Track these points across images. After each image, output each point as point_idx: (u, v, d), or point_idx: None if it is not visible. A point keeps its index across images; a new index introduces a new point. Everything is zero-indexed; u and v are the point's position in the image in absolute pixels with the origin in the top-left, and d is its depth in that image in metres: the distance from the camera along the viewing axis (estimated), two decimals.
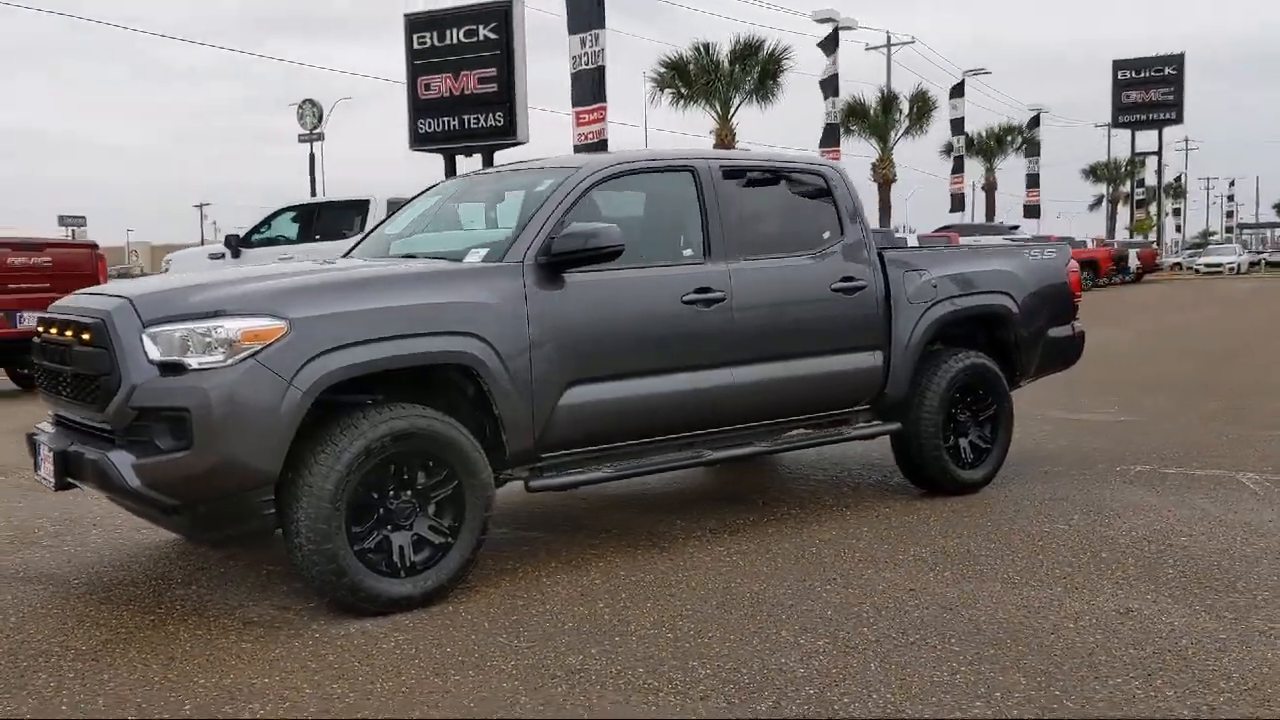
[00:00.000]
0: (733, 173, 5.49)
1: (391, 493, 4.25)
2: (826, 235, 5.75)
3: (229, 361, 3.92)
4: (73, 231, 50.67)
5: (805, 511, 5.80)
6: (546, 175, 5.15)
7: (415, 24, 21.79)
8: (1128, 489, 6.22)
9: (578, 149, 27.41)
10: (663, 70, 38.82)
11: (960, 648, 3.75)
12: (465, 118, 21.23)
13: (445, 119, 21.43)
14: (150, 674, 3.66)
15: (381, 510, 4.23)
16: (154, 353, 3.97)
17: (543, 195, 4.93)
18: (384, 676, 3.60)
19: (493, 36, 20.92)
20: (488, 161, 21.38)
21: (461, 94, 21.20)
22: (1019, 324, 6.42)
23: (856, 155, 50.05)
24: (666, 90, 38.91)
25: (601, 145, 26.75)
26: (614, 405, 4.82)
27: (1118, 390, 10.42)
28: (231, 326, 3.95)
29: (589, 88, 27.68)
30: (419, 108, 21.77)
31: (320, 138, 35.55)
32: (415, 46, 21.78)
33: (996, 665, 3.59)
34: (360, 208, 16.70)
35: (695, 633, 3.95)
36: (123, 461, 3.99)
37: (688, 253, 5.28)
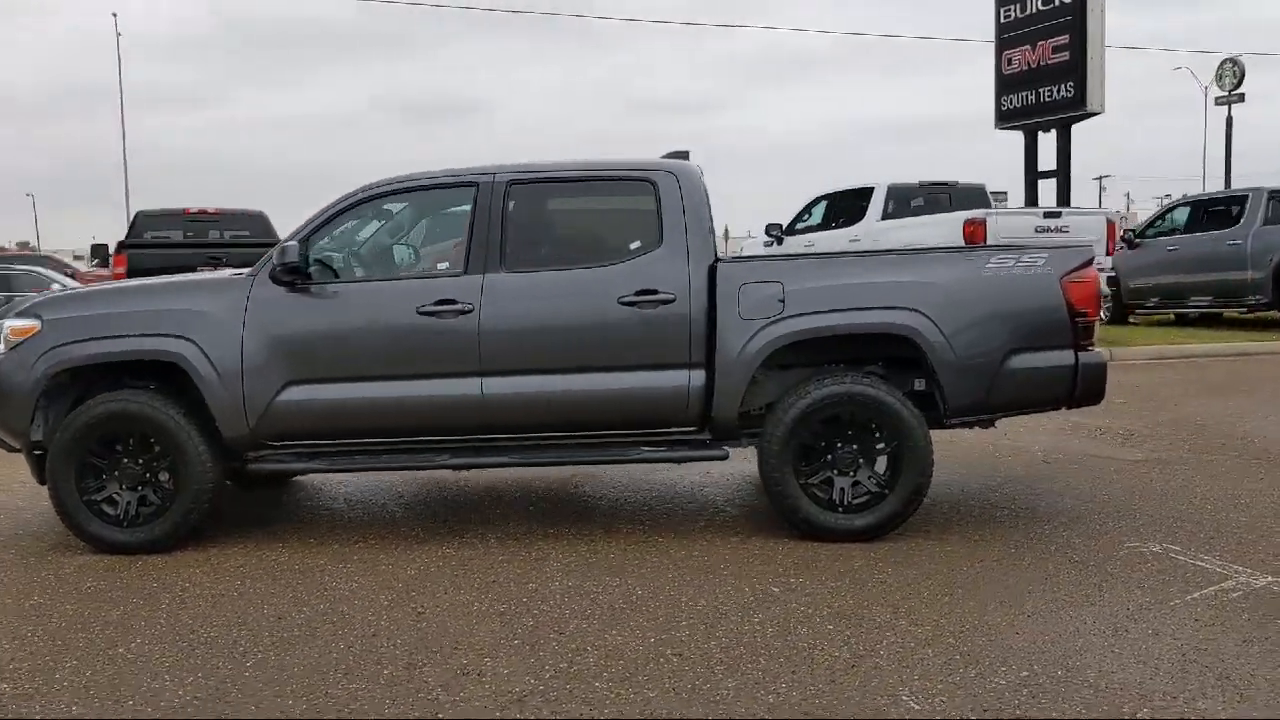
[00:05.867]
0: (526, 186, 5.50)
1: (125, 460, 5.42)
2: (635, 245, 5.42)
3: (4, 351, 5.46)
4: None
5: (617, 532, 5.58)
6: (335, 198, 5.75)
7: None
8: (1038, 565, 4.81)
9: None
10: None
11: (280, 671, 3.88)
12: (1040, 90, 19.86)
13: (1023, 93, 20.26)
14: None
15: (116, 472, 5.43)
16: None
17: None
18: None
19: (1067, 1, 19.28)
20: (1063, 138, 19.77)
21: (1037, 65, 19.88)
22: (939, 347, 5.24)
23: None
24: None
25: None
26: (331, 406, 5.35)
27: None
28: (6, 325, 5.48)
29: None
30: (1003, 83, 20.86)
31: (1240, 99, 32.13)
32: (1001, 20, 20.90)
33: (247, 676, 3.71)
34: (864, 195, 17.10)
35: (201, 635, 4.32)
36: None
37: (443, 265, 5.49)
